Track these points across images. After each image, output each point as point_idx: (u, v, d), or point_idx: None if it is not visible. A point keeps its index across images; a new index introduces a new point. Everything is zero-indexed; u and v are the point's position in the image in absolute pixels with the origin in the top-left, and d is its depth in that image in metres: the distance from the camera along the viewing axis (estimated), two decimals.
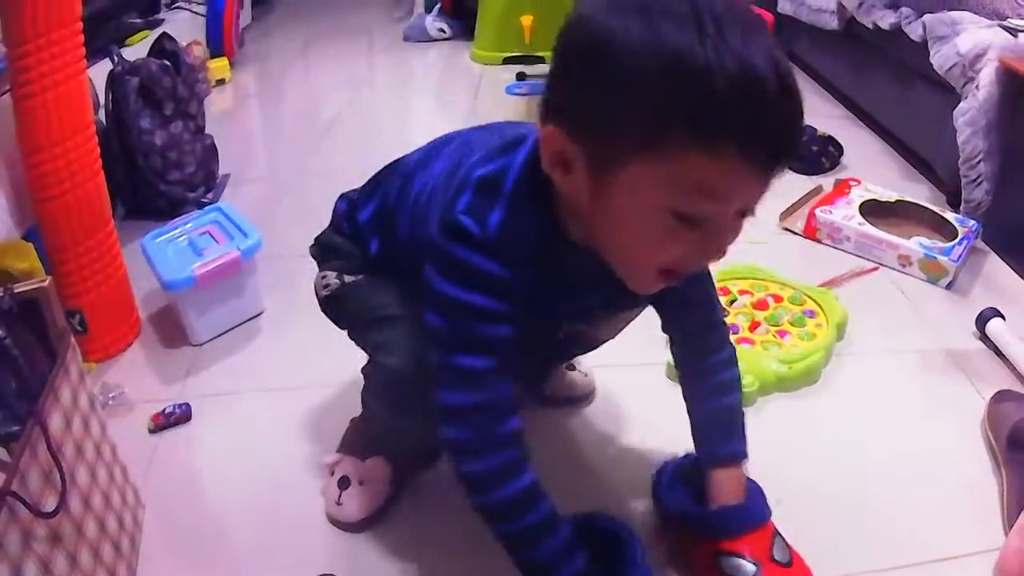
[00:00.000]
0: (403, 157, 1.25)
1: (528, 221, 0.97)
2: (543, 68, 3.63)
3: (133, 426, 1.53)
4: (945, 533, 1.31)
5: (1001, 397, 1.52)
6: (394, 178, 1.22)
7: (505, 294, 0.97)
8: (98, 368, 1.70)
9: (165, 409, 1.55)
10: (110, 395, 1.58)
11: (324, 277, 1.28)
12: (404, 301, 1.17)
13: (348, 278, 1.26)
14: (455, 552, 1.28)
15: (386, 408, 1.25)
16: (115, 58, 2.20)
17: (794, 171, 2.62)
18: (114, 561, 1.14)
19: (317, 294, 1.30)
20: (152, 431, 1.53)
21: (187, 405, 1.57)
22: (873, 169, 2.63)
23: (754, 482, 1.23)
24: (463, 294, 0.96)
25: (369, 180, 1.29)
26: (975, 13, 2.35)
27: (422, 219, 1.09)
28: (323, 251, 1.33)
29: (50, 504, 0.95)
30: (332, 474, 1.36)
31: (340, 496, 1.33)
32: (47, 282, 1.09)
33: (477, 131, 1.17)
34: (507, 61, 3.79)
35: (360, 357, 1.22)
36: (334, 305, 1.29)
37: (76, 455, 1.08)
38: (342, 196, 1.34)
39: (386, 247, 1.23)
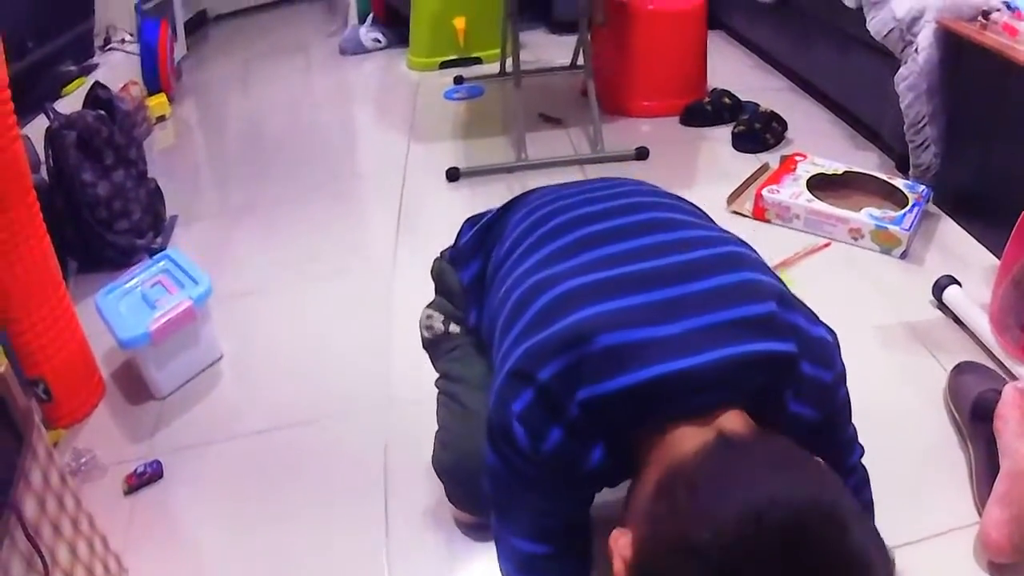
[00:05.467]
0: (518, 204, 1.14)
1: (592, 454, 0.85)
2: (480, 70, 3.65)
3: (108, 490, 1.52)
4: (917, 512, 1.30)
5: (961, 370, 1.54)
6: (501, 239, 1.09)
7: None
8: (67, 434, 1.67)
9: (137, 469, 1.53)
10: (82, 461, 1.56)
11: (430, 317, 1.22)
12: (483, 391, 1.03)
13: (453, 328, 1.19)
14: None
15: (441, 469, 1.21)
16: (50, 114, 2.17)
17: (739, 150, 2.63)
18: None
19: (420, 328, 1.25)
20: (127, 492, 1.51)
21: (158, 462, 1.55)
22: (819, 141, 2.63)
23: None
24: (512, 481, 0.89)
25: (479, 228, 1.18)
26: None
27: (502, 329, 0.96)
28: (439, 281, 1.24)
29: None
30: None
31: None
32: (4, 367, 1.07)
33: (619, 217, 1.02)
34: (443, 65, 3.76)
35: None
36: (432, 348, 1.23)
37: (54, 535, 1.07)
38: (469, 220, 1.24)
39: (481, 319, 1.10)
